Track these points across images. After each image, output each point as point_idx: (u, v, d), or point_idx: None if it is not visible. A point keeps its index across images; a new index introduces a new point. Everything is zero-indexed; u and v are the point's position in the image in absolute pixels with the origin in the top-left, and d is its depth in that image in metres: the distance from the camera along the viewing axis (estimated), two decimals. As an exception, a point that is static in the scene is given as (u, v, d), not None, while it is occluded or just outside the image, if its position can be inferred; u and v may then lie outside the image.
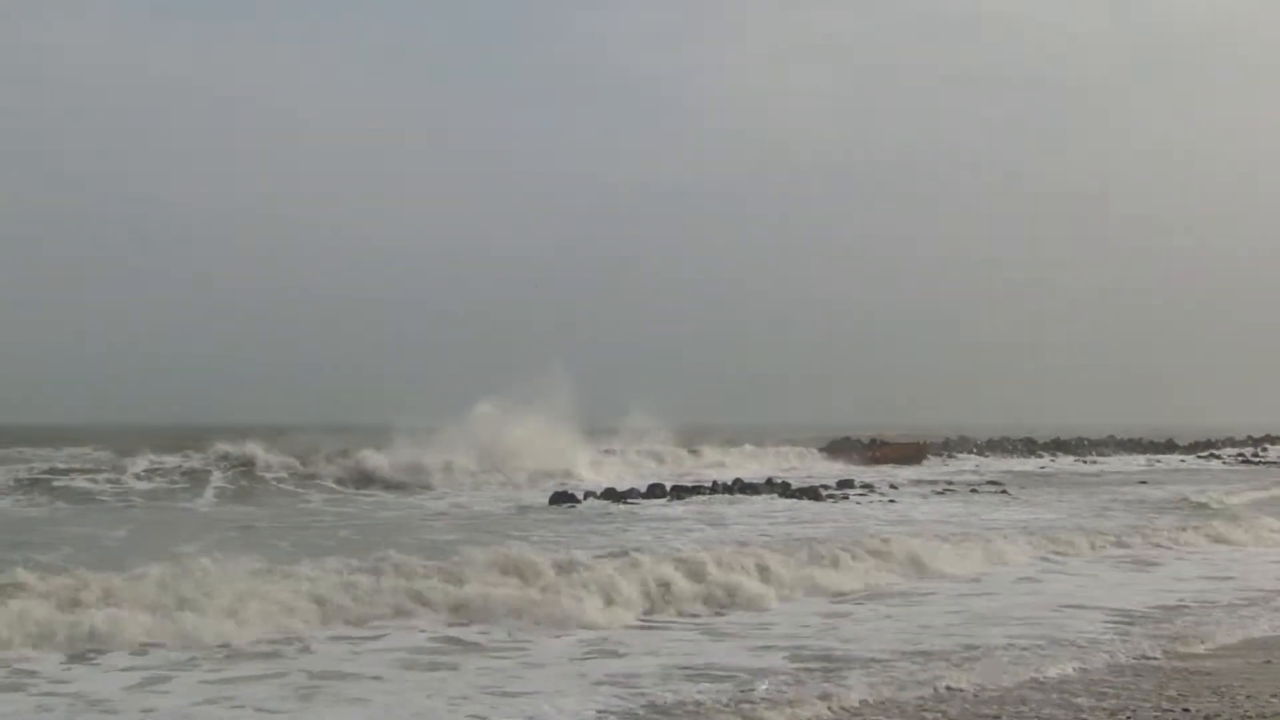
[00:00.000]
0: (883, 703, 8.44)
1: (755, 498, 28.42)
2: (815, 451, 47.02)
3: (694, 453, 42.96)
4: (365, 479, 30.18)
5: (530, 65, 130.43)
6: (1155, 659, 10.19)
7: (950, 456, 51.92)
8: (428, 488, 29.84)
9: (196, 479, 28.73)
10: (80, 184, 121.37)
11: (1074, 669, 9.77)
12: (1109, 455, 55.46)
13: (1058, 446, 57.43)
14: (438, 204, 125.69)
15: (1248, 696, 8.69)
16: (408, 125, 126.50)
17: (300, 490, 28.44)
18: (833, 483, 32.47)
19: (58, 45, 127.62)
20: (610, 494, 27.54)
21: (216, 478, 29.08)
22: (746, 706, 8.21)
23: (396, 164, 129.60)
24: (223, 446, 31.29)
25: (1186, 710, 8.23)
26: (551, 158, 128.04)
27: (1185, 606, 12.99)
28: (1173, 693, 8.80)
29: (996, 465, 47.50)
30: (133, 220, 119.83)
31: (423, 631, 10.96)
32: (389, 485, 29.73)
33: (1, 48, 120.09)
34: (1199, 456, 52.22)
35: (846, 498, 28.87)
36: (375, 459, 31.22)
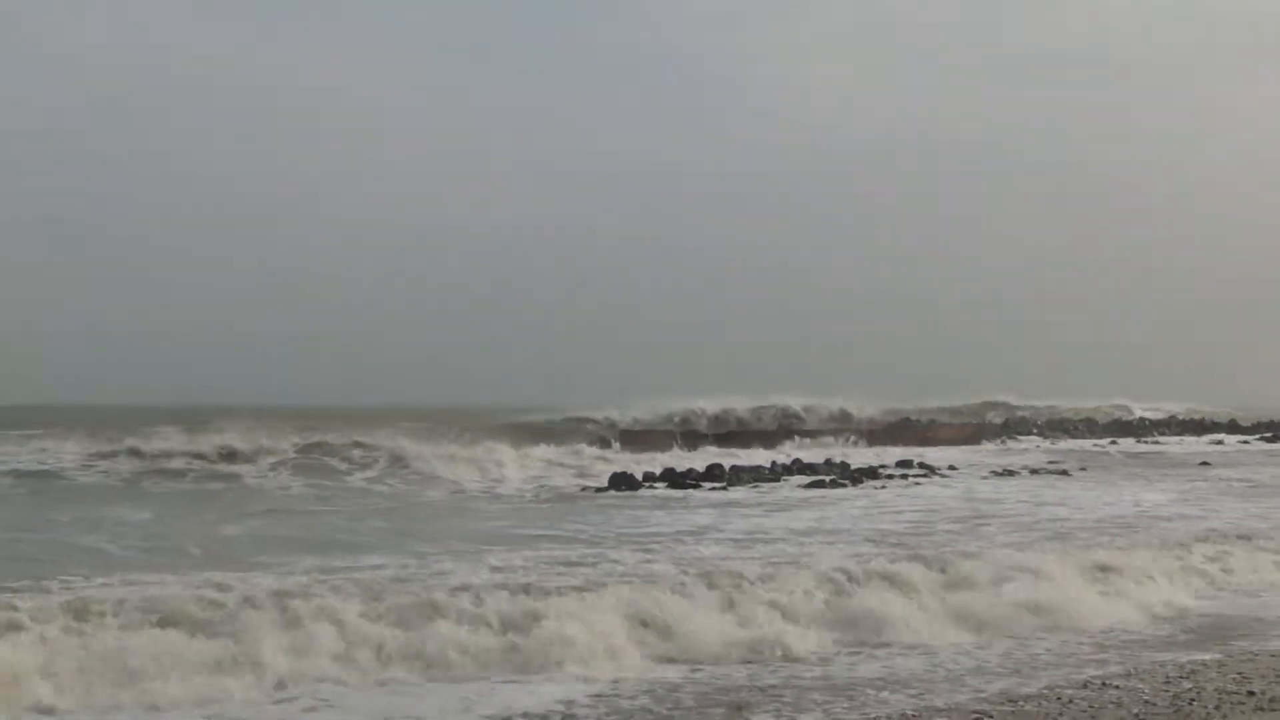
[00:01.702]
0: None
1: (812, 481, 28.52)
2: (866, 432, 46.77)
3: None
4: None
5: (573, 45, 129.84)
6: None
7: (1010, 438, 51.68)
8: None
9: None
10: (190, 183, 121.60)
11: None
12: (1170, 436, 54.96)
13: (1119, 428, 56.96)
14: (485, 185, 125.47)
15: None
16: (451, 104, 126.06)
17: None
18: (891, 463, 32.48)
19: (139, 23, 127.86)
20: (670, 475, 27.79)
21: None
22: None
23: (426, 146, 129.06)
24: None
25: None
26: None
27: None
28: None
29: (1056, 446, 47.21)
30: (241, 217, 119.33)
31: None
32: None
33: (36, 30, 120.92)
34: (1261, 438, 51.56)
35: (905, 477, 28.98)
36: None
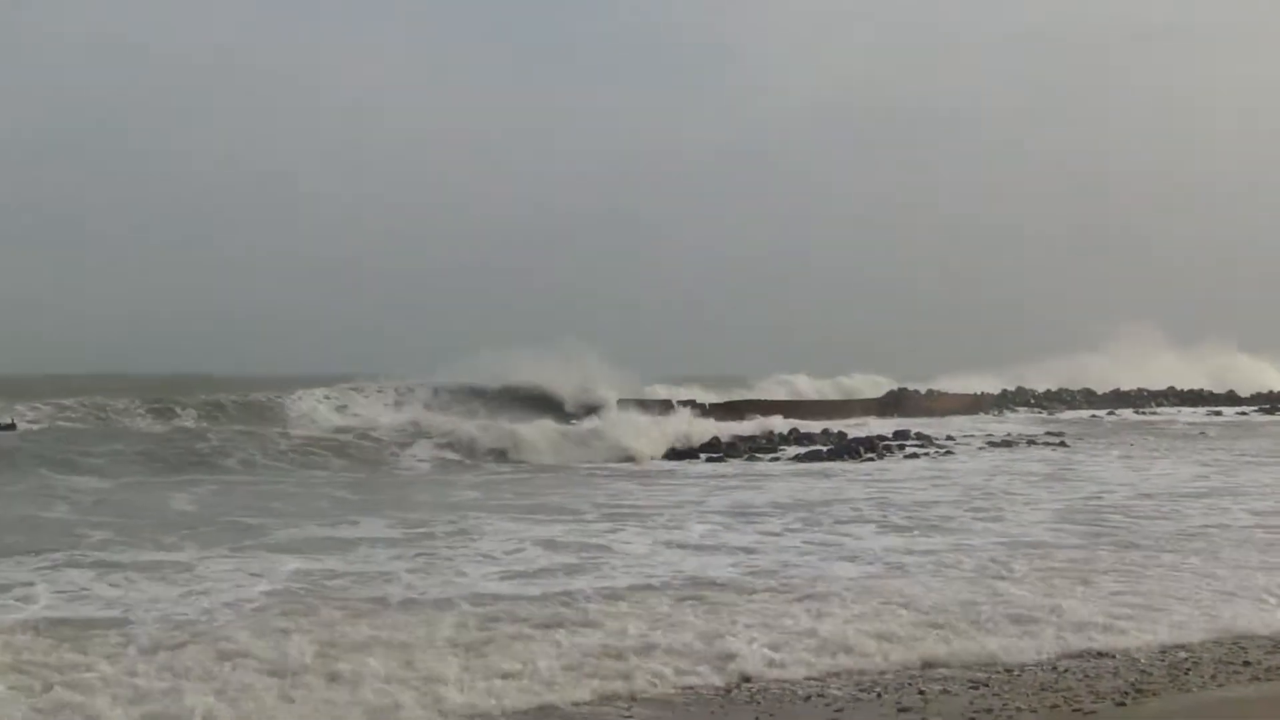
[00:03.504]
0: None
1: (805, 451, 28.56)
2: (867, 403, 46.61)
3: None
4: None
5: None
6: None
7: (1007, 409, 51.75)
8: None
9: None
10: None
11: None
12: (1168, 407, 55.00)
13: (1117, 399, 56.97)
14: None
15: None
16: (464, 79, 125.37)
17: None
18: (889, 433, 32.45)
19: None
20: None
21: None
22: None
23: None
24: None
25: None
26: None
27: None
28: None
29: (1055, 417, 47.27)
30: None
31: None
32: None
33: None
34: (1261, 410, 51.58)
35: (903, 448, 29.03)
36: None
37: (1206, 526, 15.21)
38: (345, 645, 8.76)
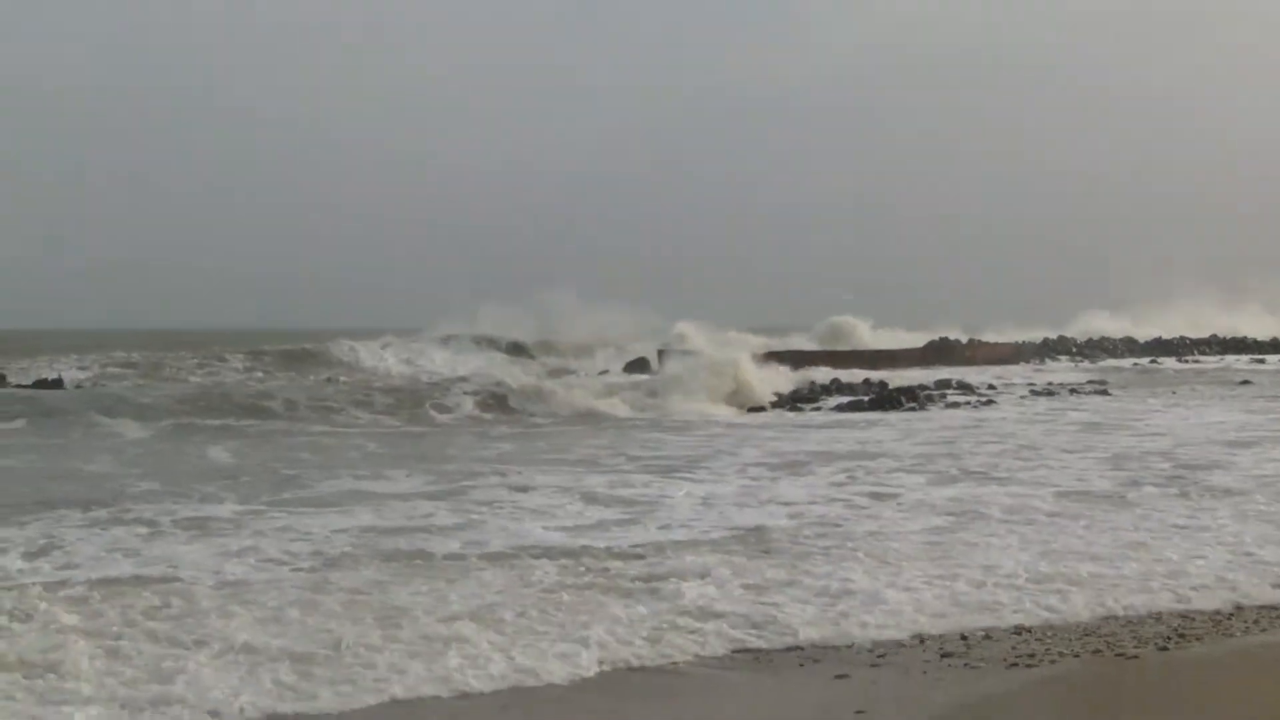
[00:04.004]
0: None
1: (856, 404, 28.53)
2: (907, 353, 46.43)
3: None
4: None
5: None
6: None
7: (1048, 358, 51.53)
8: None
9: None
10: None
11: None
12: (1211, 355, 54.59)
13: (1160, 347, 56.58)
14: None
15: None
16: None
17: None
18: (930, 383, 32.40)
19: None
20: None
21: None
22: None
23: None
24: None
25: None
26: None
27: None
28: None
29: (1097, 365, 47.07)
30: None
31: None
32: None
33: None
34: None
35: (944, 398, 28.98)
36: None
37: (1260, 475, 15.14)
38: (401, 603, 8.70)
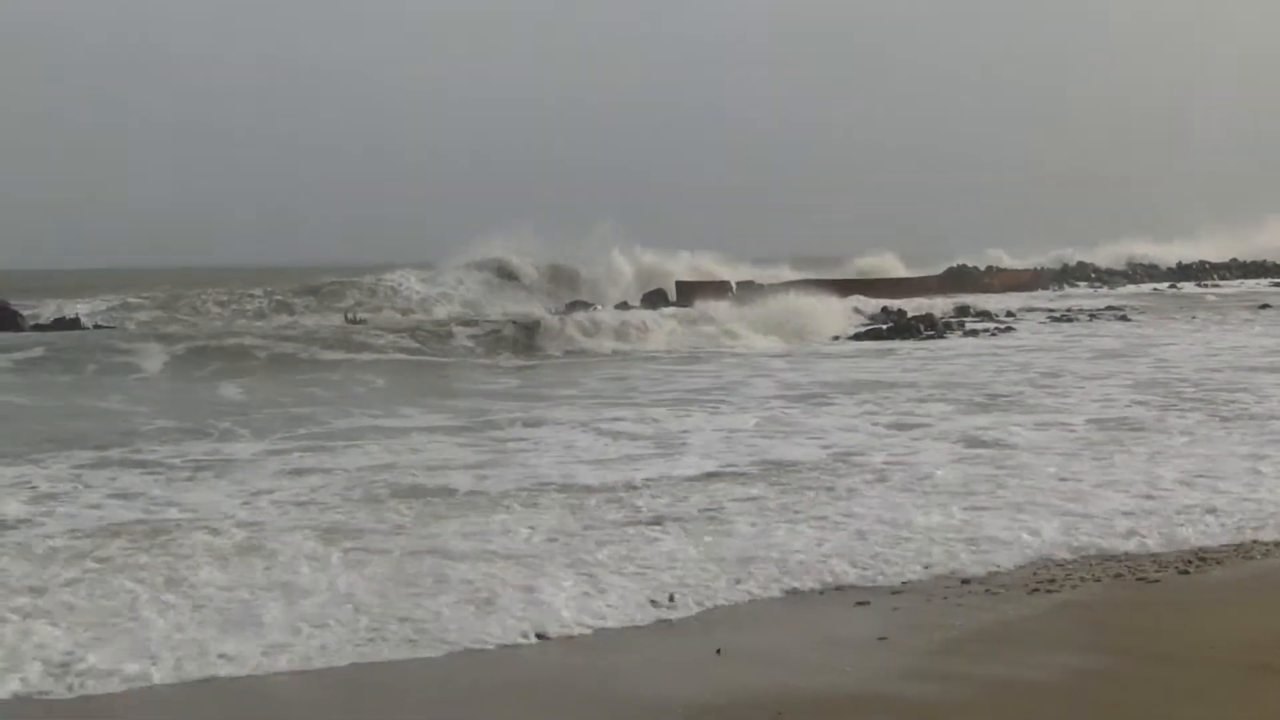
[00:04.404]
0: None
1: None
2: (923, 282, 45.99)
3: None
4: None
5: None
6: None
7: (1068, 284, 51.29)
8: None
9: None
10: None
11: None
12: (1231, 280, 54.30)
13: (1179, 272, 56.30)
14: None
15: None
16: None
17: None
18: (949, 310, 32.31)
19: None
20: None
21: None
22: None
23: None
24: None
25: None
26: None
27: None
28: None
29: (1116, 291, 46.86)
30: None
31: None
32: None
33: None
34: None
35: (963, 325, 28.86)
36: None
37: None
38: (430, 546, 8.60)
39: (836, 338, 26.88)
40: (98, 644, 6.43)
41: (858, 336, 27.02)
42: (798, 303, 28.55)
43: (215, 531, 8.76)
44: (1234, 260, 59.52)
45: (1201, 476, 10.49)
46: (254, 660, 6.33)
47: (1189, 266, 57.52)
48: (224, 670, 6.22)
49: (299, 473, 11.10)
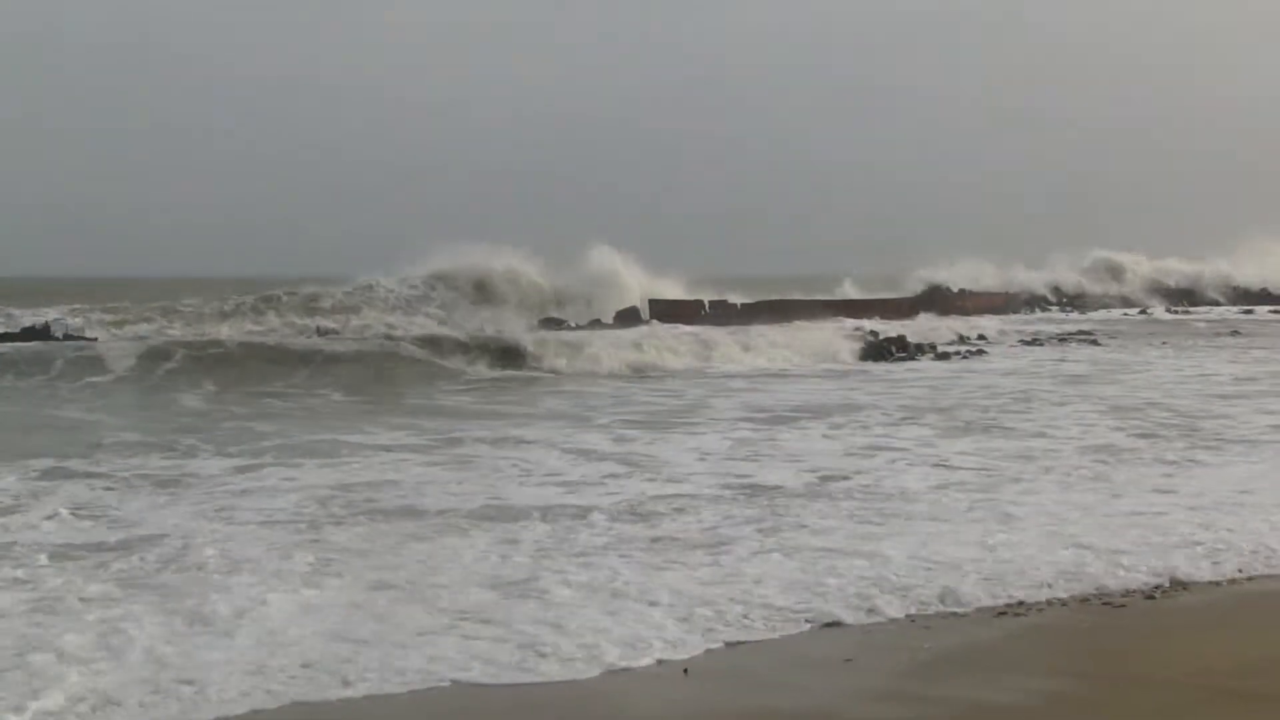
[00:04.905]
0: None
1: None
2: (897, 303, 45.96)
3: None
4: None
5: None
6: None
7: (1039, 308, 51.52)
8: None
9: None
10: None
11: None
12: (1200, 306, 54.60)
13: (1151, 293, 56.61)
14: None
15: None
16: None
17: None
18: (922, 332, 32.30)
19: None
20: None
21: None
22: None
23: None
24: None
25: None
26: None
27: None
28: None
29: (1087, 316, 47.13)
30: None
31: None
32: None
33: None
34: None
35: (935, 348, 28.89)
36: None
37: (1260, 427, 15.22)
38: (390, 565, 8.68)
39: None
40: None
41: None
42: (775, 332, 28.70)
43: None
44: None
45: (1177, 504, 10.55)
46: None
47: (1160, 289, 57.76)
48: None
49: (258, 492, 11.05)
